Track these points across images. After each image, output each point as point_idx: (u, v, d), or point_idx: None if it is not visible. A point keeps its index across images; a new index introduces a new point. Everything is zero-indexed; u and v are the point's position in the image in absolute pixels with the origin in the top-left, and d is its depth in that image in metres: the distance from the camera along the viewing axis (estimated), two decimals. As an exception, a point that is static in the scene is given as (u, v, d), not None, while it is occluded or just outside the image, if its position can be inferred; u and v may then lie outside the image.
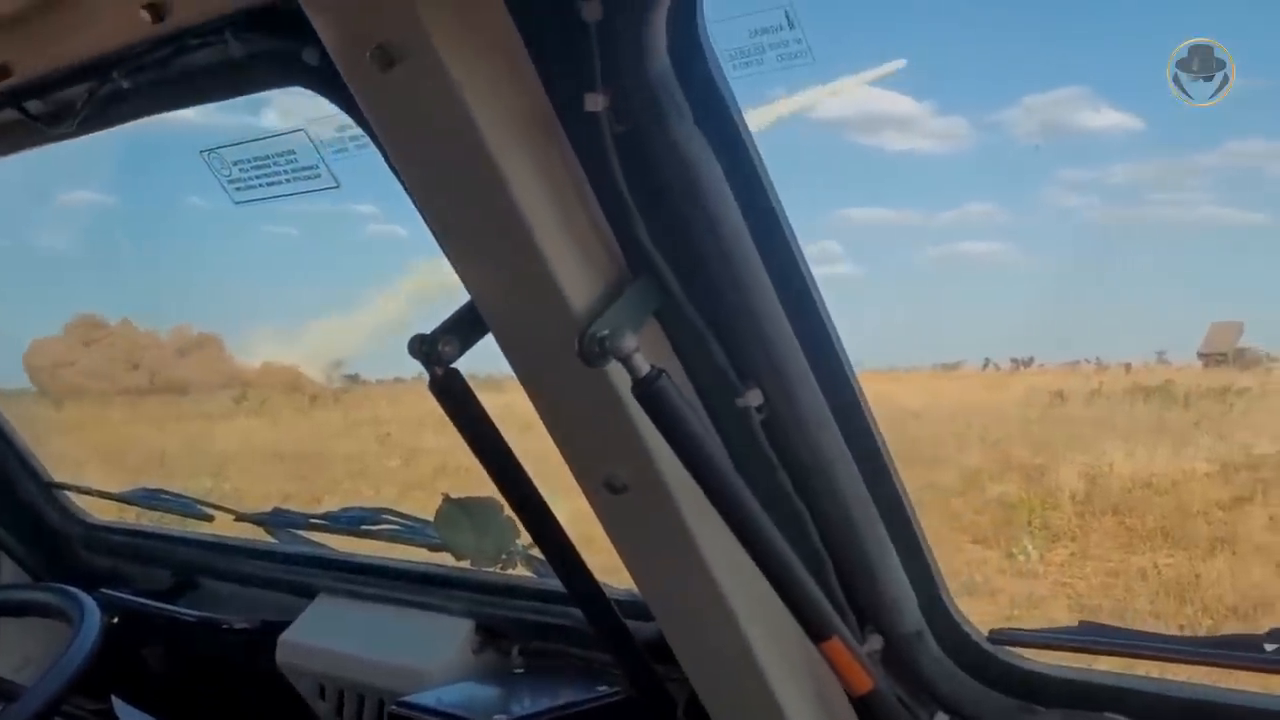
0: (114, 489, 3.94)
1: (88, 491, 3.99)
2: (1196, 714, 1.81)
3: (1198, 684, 1.89)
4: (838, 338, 1.80)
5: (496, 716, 2.32)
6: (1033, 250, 11.70)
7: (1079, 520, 8.82)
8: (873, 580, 1.96)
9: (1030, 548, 8.47)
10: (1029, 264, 11.60)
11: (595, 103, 1.56)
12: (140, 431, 13.59)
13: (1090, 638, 1.95)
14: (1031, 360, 12.02)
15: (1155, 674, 1.96)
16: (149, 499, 3.69)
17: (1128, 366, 11.31)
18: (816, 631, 1.78)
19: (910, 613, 2.00)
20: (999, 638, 1.99)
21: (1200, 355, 10.86)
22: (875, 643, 1.99)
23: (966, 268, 11.69)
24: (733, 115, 1.62)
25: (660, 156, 1.62)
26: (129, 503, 3.82)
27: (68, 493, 3.96)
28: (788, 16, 1.47)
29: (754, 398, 1.80)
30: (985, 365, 12.31)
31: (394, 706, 2.45)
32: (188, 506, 3.58)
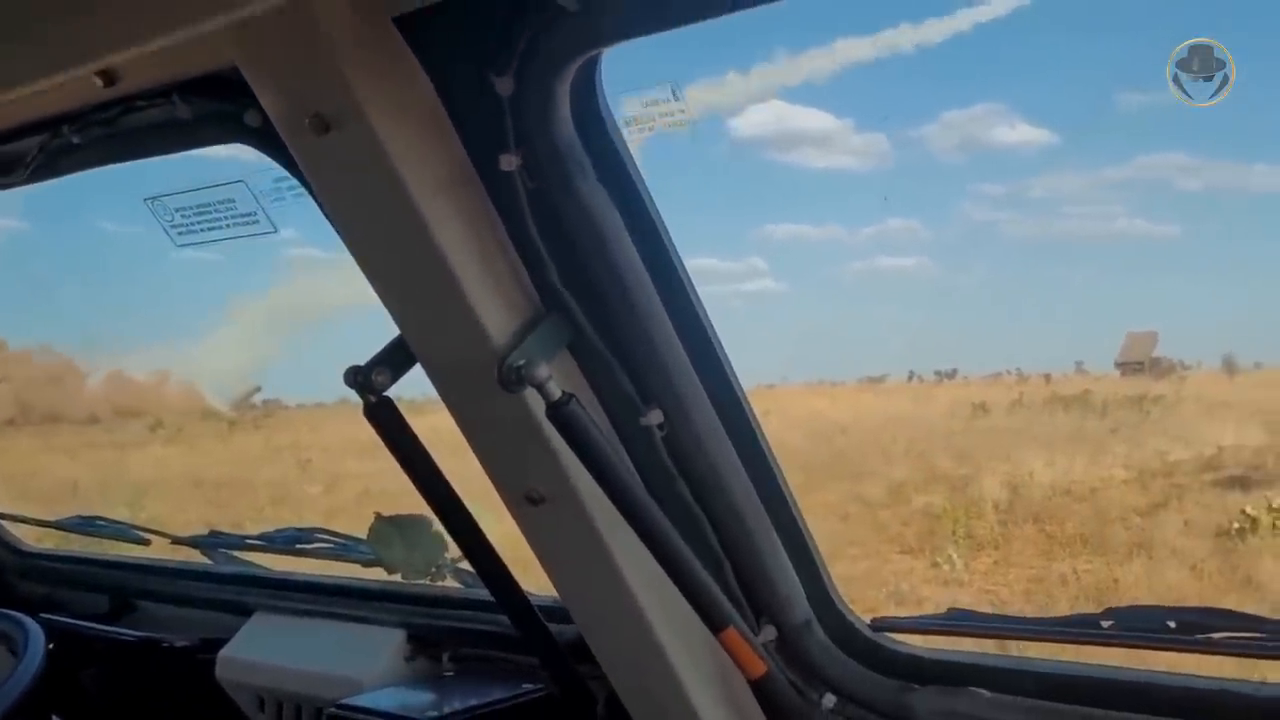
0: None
1: (21, 519, 4.06)
2: (1047, 684, 2.03)
3: (1050, 659, 2.12)
4: (728, 361, 2.01)
5: (429, 713, 2.49)
6: (954, 264, 11.89)
7: (1002, 529, 8.97)
8: (765, 577, 2.15)
9: (955, 556, 8.60)
10: (950, 277, 11.78)
11: (510, 163, 1.77)
12: (51, 461, 13.26)
13: (959, 622, 2.18)
14: (955, 372, 12.17)
15: (1016, 652, 2.20)
16: (84, 525, 3.76)
17: (1048, 377, 11.47)
18: (714, 623, 1.98)
19: (799, 605, 2.19)
20: (880, 625, 2.20)
21: (1117, 364, 11.09)
22: (769, 633, 2.17)
23: (889, 282, 11.83)
24: (629, 171, 1.83)
25: (568, 209, 1.82)
26: (64, 529, 3.87)
27: (0, 521, 4.01)
28: (673, 91, 1.71)
29: (655, 417, 2.00)
30: (910, 378, 12.47)
31: (333, 709, 2.60)
32: (124, 531, 3.67)
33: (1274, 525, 8.40)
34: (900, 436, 10.95)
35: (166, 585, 3.62)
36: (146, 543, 3.62)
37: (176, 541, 3.57)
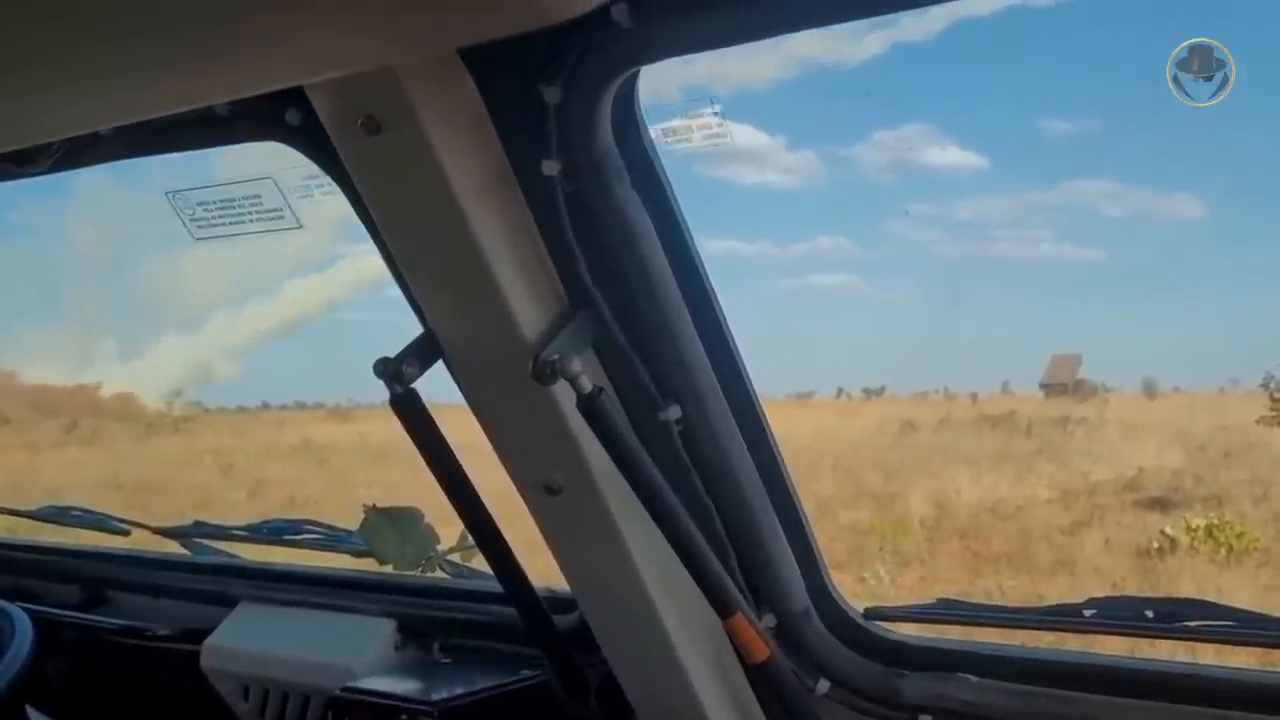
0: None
1: (-11, 510, 4.03)
2: (1030, 669, 2.16)
3: (1032, 646, 2.26)
4: (744, 363, 2.12)
5: (434, 696, 2.56)
6: (883, 282, 12.07)
7: (928, 545, 9.21)
8: (769, 567, 2.26)
9: (882, 572, 8.79)
10: (880, 296, 11.97)
11: (551, 168, 1.86)
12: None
13: (947, 611, 2.31)
14: (883, 390, 12.38)
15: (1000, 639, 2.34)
16: (59, 515, 3.74)
17: (974, 396, 11.72)
18: (724, 609, 2.09)
19: (799, 594, 2.30)
20: (872, 614, 2.32)
21: (1042, 386, 11.38)
22: (770, 620, 2.28)
23: (819, 299, 11.97)
24: (661, 180, 1.94)
25: (602, 212, 1.92)
26: (38, 519, 3.85)
27: (-39, 511, 3.95)
28: (712, 102, 1.82)
29: (673, 412, 2.10)
30: (838, 394, 12.67)
31: (338, 692, 2.66)
32: (101, 521, 3.64)
33: (1192, 545, 8.71)
34: (828, 453, 11.07)
35: (142, 576, 3.60)
36: (126, 533, 3.60)
37: (158, 531, 3.57)
